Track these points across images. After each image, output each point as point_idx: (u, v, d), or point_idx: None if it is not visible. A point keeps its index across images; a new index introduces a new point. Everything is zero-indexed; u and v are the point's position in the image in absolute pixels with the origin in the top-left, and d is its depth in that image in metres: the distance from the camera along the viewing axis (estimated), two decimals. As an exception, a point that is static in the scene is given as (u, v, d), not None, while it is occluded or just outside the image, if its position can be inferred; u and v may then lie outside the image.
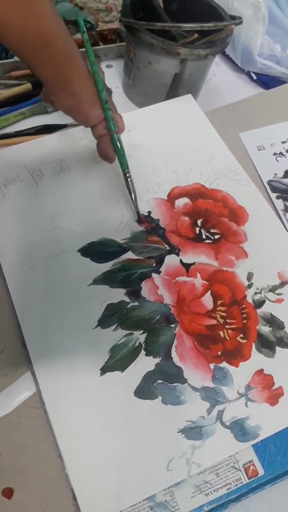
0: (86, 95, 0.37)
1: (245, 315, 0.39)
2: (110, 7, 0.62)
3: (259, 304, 0.39)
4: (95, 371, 0.35)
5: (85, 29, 0.39)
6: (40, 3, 0.30)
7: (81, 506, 0.30)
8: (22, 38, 0.31)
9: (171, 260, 0.41)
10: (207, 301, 0.39)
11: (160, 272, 0.40)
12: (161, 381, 0.35)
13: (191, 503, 0.31)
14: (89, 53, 0.39)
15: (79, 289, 0.38)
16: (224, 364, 0.36)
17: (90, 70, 0.37)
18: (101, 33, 0.60)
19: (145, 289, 0.39)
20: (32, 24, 0.31)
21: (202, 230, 0.43)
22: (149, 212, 0.43)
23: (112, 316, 0.37)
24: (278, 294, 0.40)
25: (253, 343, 0.37)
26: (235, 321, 0.38)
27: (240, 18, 0.49)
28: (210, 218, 0.44)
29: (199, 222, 0.44)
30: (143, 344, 0.36)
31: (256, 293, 0.40)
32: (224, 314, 0.38)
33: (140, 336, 0.36)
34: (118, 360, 0.35)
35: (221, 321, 0.38)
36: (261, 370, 0.36)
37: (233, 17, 0.50)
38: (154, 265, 0.40)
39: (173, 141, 0.49)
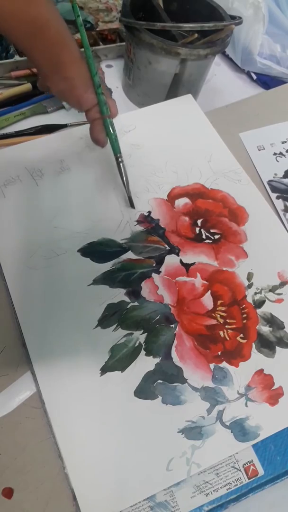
0: (79, 80, 0.37)
1: (245, 315, 0.39)
2: (110, 7, 0.62)
3: (259, 304, 0.39)
4: (95, 371, 0.35)
5: (79, 13, 0.38)
6: None
7: (81, 506, 0.30)
8: (13, 22, 0.32)
9: (171, 260, 0.41)
10: (207, 301, 0.39)
11: (160, 272, 0.40)
12: (161, 381, 0.35)
13: (191, 503, 0.31)
14: (83, 37, 0.39)
15: (79, 289, 0.38)
16: (224, 364, 0.36)
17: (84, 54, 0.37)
18: (101, 33, 0.60)
19: (145, 289, 0.39)
20: (23, 9, 0.31)
21: (202, 230, 0.43)
22: (149, 212, 0.43)
23: (112, 316, 0.37)
24: (278, 294, 0.40)
25: (253, 343, 0.37)
26: (235, 321, 0.38)
27: (240, 18, 0.49)
28: (210, 218, 0.44)
29: (199, 222, 0.44)
30: (143, 344, 0.36)
31: (256, 293, 0.40)
32: (224, 314, 0.38)
33: (140, 336, 0.36)
34: (118, 360, 0.35)
35: (221, 321, 0.38)
36: (261, 370, 0.36)
37: (233, 17, 0.50)
38: (154, 265, 0.40)
39: (173, 141, 0.49)
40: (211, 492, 0.32)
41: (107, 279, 0.39)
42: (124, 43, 0.57)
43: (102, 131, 0.40)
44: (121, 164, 0.42)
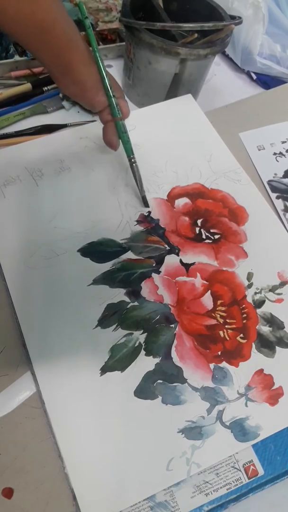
0: (90, 82, 0.37)
1: (245, 315, 0.39)
2: (110, 7, 0.62)
3: (259, 304, 0.39)
4: (95, 371, 0.35)
5: (87, 14, 0.38)
6: None
7: (81, 506, 0.30)
8: (20, 26, 0.31)
9: (171, 260, 0.41)
10: (207, 301, 0.39)
11: (160, 272, 0.40)
12: (161, 381, 0.35)
13: (191, 503, 0.31)
14: (91, 40, 0.38)
15: (79, 289, 0.38)
16: (224, 364, 0.36)
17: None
18: (101, 33, 0.60)
19: (145, 289, 0.39)
20: (29, 12, 0.30)
21: (202, 230, 0.43)
22: (149, 212, 0.43)
23: (112, 316, 0.37)
24: (278, 294, 0.40)
25: (253, 343, 0.37)
26: (235, 321, 0.38)
27: (240, 18, 0.49)
28: (210, 218, 0.44)
29: (199, 222, 0.43)
30: (143, 344, 0.36)
31: (256, 293, 0.40)
32: (224, 314, 0.38)
33: (140, 336, 0.36)
34: (118, 360, 0.35)
35: (221, 321, 0.38)
36: (261, 370, 0.36)
37: (233, 17, 0.50)
38: (154, 265, 0.40)
39: (173, 141, 0.49)
40: (211, 492, 0.32)
41: (107, 279, 0.39)
42: (124, 43, 0.57)
43: (114, 134, 0.41)
44: (134, 165, 0.42)
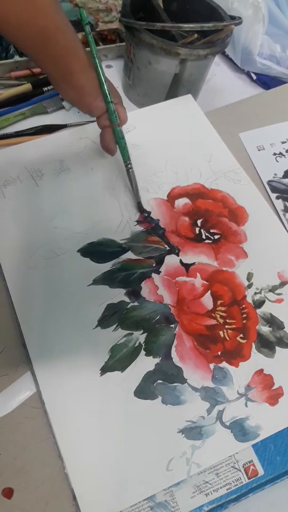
0: (88, 88, 0.37)
1: (245, 315, 0.39)
2: (110, 7, 0.62)
3: (259, 304, 0.39)
4: (95, 371, 0.35)
5: (87, 20, 0.38)
6: None
7: (81, 506, 0.30)
8: (22, 33, 0.32)
9: (171, 260, 0.41)
10: (207, 301, 0.39)
11: (160, 272, 0.40)
12: (161, 381, 0.35)
13: (191, 503, 0.31)
14: (91, 46, 0.39)
15: (79, 289, 0.38)
16: (224, 364, 0.36)
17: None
18: (101, 33, 0.60)
19: (145, 289, 0.39)
20: (31, 19, 0.31)
21: (202, 230, 0.43)
22: (149, 212, 0.43)
23: (112, 316, 0.37)
24: (278, 294, 0.40)
25: (253, 343, 0.37)
26: (235, 321, 0.38)
27: (240, 18, 0.49)
28: (210, 218, 0.44)
29: (199, 222, 0.44)
30: (143, 344, 0.36)
31: (256, 293, 0.40)
32: (224, 314, 0.38)
33: (140, 336, 0.36)
34: (118, 360, 0.35)
35: (221, 321, 0.38)
36: (261, 370, 0.36)
37: (233, 17, 0.50)
38: (154, 265, 0.40)
39: (173, 141, 0.49)
40: (211, 492, 0.32)
41: (107, 279, 0.39)
42: (124, 43, 0.57)
43: (112, 140, 0.41)
44: (130, 171, 0.43)
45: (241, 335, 0.38)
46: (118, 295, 0.38)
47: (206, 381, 0.35)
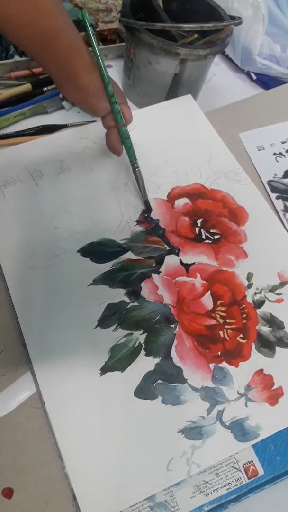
0: (92, 89, 0.37)
1: (245, 315, 0.39)
2: (110, 7, 0.62)
3: (259, 304, 0.39)
4: (95, 371, 0.35)
5: (90, 22, 0.38)
6: None
7: (81, 506, 0.30)
8: (24, 34, 0.32)
9: (171, 260, 0.41)
10: (207, 301, 0.39)
11: (160, 272, 0.40)
12: (161, 381, 0.35)
13: (191, 503, 0.31)
14: (94, 47, 0.38)
15: (79, 289, 0.38)
16: (224, 364, 0.36)
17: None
18: (101, 33, 0.60)
19: (145, 289, 0.39)
20: (34, 20, 0.31)
21: (202, 230, 0.43)
22: (149, 212, 0.43)
23: (112, 316, 0.37)
24: (278, 294, 0.40)
25: (253, 343, 0.37)
26: (235, 321, 0.38)
27: (240, 18, 0.49)
28: (210, 218, 0.44)
29: (199, 222, 0.44)
30: (143, 344, 0.36)
31: (256, 293, 0.40)
32: (224, 314, 0.38)
33: (140, 336, 0.36)
34: (118, 360, 0.35)
35: (221, 321, 0.38)
36: (261, 370, 0.36)
37: (233, 17, 0.50)
38: (154, 265, 0.40)
39: (173, 141, 0.49)
40: (211, 492, 0.32)
41: (107, 279, 0.39)
42: (124, 43, 0.57)
43: (118, 140, 0.41)
44: (136, 170, 0.43)
45: (241, 335, 0.38)
46: (118, 295, 0.38)
47: (206, 381, 0.35)
